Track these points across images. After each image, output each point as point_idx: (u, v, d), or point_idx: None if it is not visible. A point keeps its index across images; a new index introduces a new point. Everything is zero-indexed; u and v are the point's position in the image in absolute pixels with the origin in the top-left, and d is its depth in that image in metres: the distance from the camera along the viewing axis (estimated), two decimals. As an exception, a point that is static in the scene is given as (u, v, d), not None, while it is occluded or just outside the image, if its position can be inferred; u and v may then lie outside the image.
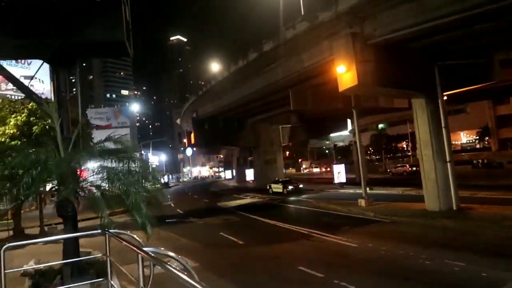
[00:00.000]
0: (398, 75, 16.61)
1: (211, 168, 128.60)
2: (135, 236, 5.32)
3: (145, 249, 3.18)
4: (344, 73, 16.18)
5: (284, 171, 61.25)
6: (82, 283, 5.65)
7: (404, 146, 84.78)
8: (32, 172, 4.96)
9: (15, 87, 38.81)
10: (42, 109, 6.20)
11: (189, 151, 72.39)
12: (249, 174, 58.22)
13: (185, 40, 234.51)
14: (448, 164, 17.05)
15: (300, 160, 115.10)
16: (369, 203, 21.10)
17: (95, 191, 5.73)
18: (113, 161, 5.91)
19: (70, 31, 6.09)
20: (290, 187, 34.72)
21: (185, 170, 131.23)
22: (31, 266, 11.12)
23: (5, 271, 4.33)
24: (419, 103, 17.66)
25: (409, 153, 78.74)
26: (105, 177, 5.73)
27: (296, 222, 18.25)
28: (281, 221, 18.78)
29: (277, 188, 35.97)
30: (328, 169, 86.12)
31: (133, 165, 6.00)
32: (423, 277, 9.22)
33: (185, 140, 60.71)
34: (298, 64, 21.97)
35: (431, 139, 17.21)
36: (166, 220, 21.07)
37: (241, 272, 10.70)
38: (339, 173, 35.48)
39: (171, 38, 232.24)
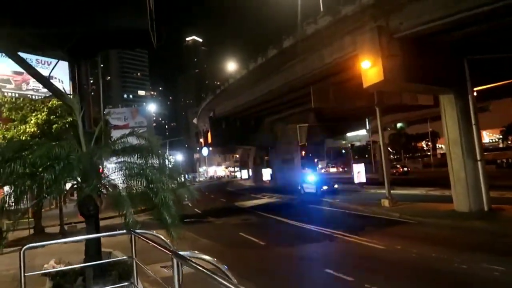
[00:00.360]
0: (425, 70, 15.93)
1: (226, 167, 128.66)
2: (161, 236, 4.97)
3: (181, 253, 2.79)
4: (369, 69, 15.60)
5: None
6: (106, 287, 5.31)
7: (424, 145, 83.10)
8: (55, 168, 4.65)
9: (35, 87, 39.40)
10: (64, 101, 5.88)
11: (205, 151, 72.34)
12: (266, 174, 57.82)
13: (200, 40, 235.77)
14: (479, 163, 16.29)
15: (315, 160, 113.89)
16: (393, 203, 20.43)
17: (119, 188, 5.38)
18: (137, 157, 5.58)
19: (93, 19, 5.80)
20: (325, 187, 31.73)
21: (201, 169, 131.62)
22: (51, 265, 10.91)
23: (26, 274, 4.01)
24: (448, 99, 16.92)
25: (429, 153, 77.21)
26: (131, 174, 5.38)
27: (318, 222, 17.75)
28: (302, 222, 18.30)
29: (309, 188, 32.96)
30: (346, 168, 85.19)
31: (158, 162, 5.66)
32: (461, 283, 8.64)
33: (201, 140, 60.70)
34: (319, 61, 21.44)
35: (461, 137, 16.47)
36: (185, 220, 20.77)
37: (265, 274, 10.27)
38: (359, 172, 34.72)
39: (187, 39, 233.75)
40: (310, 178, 34.74)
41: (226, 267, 3.17)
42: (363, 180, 34.42)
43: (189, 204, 31.05)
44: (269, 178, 56.22)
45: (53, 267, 10.79)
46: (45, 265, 11.08)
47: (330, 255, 12.01)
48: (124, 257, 4.90)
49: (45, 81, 6.70)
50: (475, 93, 17.18)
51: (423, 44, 15.95)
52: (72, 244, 18.24)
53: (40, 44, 6.92)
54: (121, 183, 5.77)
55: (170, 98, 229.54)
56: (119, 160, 5.80)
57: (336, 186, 32.72)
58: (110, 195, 5.23)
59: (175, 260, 2.68)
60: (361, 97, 21.13)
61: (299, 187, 34.75)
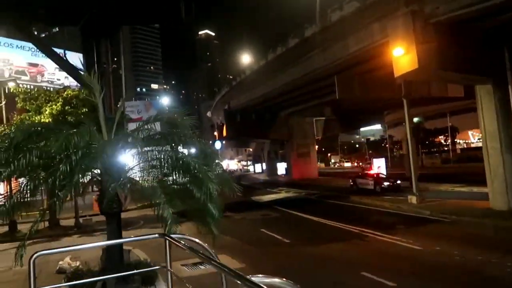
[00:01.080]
0: (462, 58, 14.82)
1: (239, 161, 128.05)
2: (197, 240, 4.17)
3: (253, 278, 1.98)
4: (401, 57, 14.57)
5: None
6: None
7: (442, 140, 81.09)
8: (72, 158, 3.88)
9: (50, 79, 39.07)
10: (79, 81, 5.08)
11: (218, 145, 71.65)
12: (281, 168, 56.98)
13: (213, 34, 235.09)
14: (519, 158, 15.18)
15: (329, 154, 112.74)
16: (421, 200, 19.40)
17: (151, 182, 4.57)
18: (169, 145, 4.76)
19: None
20: (386, 183, 26.07)
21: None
22: (66, 262, 10.22)
23: (38, 288, 3.24)
24: (485, 90, 15.76)
25: (446, 148, 75.21)
26: (164, 164, 4.56)
27: (342, 219, 16.83)
28: (325, 218, 17.46)
29: (366, 184, 27.57)
30: (361, 163, 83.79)
31: (195, 150, 4.87)
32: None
33: (215, 133, 60.09)
34: (343, 50, 20.40)
35: (499, 130, 15.31)
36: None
37: (296, 276, 9.39)
38: (379, 167, 33.66)
39: (200, 33, 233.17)
40: (367, 173, 29.50)
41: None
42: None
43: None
44: (284, 172, 55.36)
45: (69, 264, 10.13)
46: (60, 262, 10.41)
47: (363, 256, 11.11)
48: (156, 267, 4.10)
49: (58, 58, 5.96)
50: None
51: (460, 31, 14.83)
52: (86, 239, 17.65)
53: (53, 18, 6.17)
54: (143, 176, 4.97)
55: (183, 91, 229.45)
56: (145, 149, 4.99)
57: (399, 181, 26.66)
58: (142, 191, 4.42)
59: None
60: (387, 88, 20.03)
61: (351, 183, 29.86)
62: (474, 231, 13.32)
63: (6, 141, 4.19)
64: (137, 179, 4.78)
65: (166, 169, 4.69)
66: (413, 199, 19.53)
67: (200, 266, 10.43)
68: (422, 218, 16.38)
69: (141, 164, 4.69)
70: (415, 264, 9.89)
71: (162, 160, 4.62)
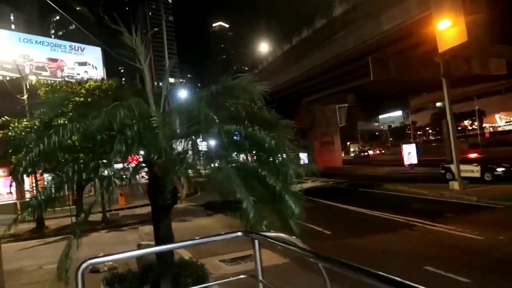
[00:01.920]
0: (514, 29, 13.47)
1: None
2: (282, 234, 3.32)
3: None
4: (447, 30, 13.31)
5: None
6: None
7: (467, 125, 78.48)
8: (127, 134, 3.06)
9: (70, 74, 38.63)
10: (123, 40, 4.23)
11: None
12: (303, 158, 55.98)
13: (227, 26, 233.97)
14: None
15: (348, 143, 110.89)
16: (464, 185, 18.17)
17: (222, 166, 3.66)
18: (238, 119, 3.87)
19: None
20: (500, 169, 19.80)
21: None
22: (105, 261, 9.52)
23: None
24: (541, 63, 14.44)
25: (471, 133, 72.72)
26: (232, 142, 3.67)
27: (380, 207, 15.83)
28: (363, 207, 16.48)
29: (467, 171, 20.45)
30: (383, 151, 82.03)
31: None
32: None
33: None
34: (375, 29, 19.16)
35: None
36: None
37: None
38: (410, 153, 32.44)
39: (213, 25, 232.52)
40: (469, 157, 22.38)
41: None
42: (414, 161, 32.14)
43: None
44: (306, 161, 54.36)
45: (103, 264, 9.44)
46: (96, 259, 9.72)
47: (420, 249, 10.09)
48: (242, 276, 3.22)
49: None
50: None
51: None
52: (114, 234, 16.96)
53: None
54: (205, 157, 4.09)
55: (199, 84, 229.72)
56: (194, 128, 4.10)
57: None
58: (214, 177, 3.55)
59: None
60: (425, 67, 18.70)
61: (443, 171, 22.89)
62: (537, 218, 12.16)
63: (35, 121, 3.44)
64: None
65: (236, 149, 3.82)
66: (455, 185, 18.34)
67: (240, 262, 9.63)
68: (469, 205, 15.24)
69: (204, 144, 3.81)
70: (482, 257, 8.86)
71: (230, 137, 3.74)
